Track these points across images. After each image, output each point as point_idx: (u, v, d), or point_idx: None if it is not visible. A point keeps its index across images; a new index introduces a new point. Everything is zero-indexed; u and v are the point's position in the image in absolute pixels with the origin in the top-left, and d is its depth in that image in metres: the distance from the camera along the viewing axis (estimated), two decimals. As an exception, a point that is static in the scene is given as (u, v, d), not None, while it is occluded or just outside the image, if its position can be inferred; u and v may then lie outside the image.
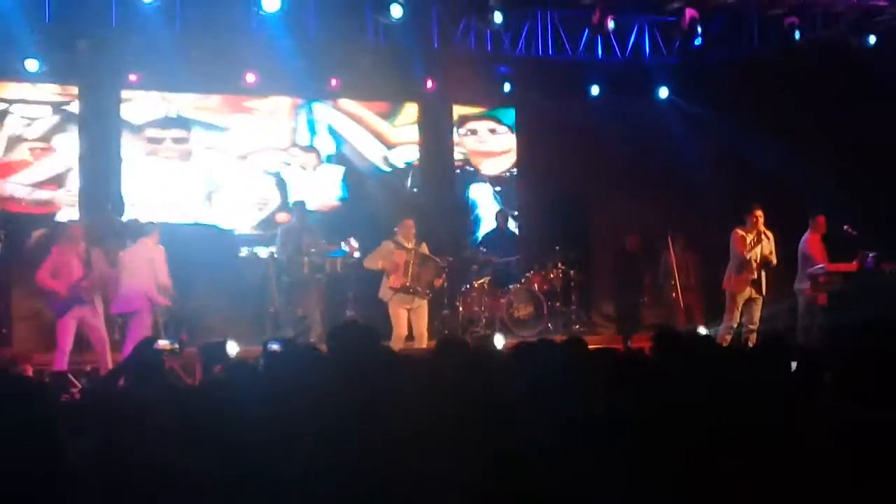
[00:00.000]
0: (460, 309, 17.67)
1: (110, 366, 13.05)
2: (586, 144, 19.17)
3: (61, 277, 13.61)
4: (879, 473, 3.60)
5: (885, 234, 15.81)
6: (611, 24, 16.66)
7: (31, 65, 16.56)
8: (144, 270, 14.26)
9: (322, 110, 19.39)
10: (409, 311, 14.87)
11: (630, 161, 19.33)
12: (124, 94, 18.07)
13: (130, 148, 18.10)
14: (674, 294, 17.68)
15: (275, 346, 7.17)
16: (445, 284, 15.94)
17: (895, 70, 16.15)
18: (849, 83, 17.32)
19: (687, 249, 17.71)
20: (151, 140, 18.27)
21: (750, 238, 15.31)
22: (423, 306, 15.03)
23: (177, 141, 18.42)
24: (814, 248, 15.84)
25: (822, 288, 15.70)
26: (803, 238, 15.94)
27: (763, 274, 15.35)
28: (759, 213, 15.30)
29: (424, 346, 14.38)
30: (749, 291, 15.38)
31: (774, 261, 15.43)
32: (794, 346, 6.84)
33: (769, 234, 15.38)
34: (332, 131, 19.41)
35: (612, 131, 19.11)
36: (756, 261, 15.30)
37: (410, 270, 14.75)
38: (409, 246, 14.92)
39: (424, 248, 15.25)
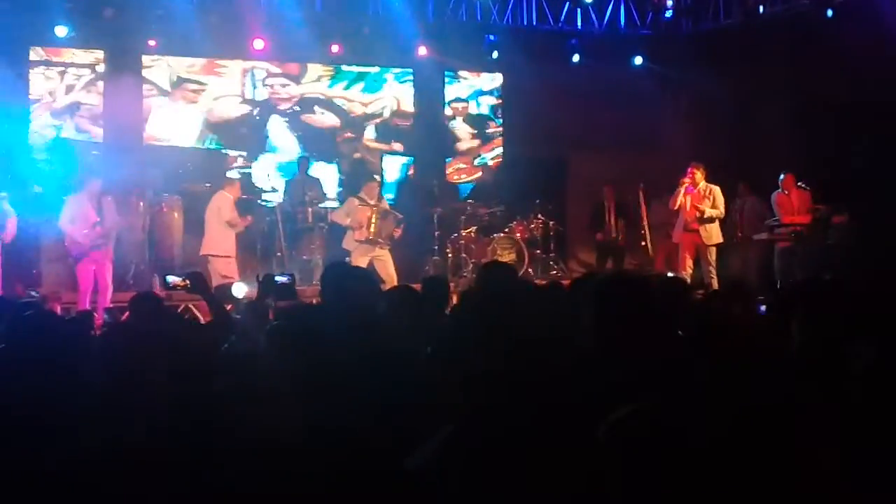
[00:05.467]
0: (449, 255, 17.71)
1: (108, 305, 13.41)
2: (566, 107, 19.03)
3: (78, 224, 13.61)
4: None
5: (839, 190, 15.80)
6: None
7: (61, 31, 16.44)
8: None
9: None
10: (372, 259, 15.20)
11: (606, 122, 19.22)
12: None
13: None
14: (643, 243, 17.89)
15: (282, 279, 7.13)
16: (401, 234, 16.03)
17: (849, 41, 16.02)
18: (808, 52, 17.18)
19: (659, 202, 17.70)
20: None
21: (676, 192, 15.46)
22: (386, 254, 15.48)
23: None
24: (777, 203, 15.83)
25: (777, 238, 15.76)
26: (773, 194, 15.92)
27: (705, 223, 15.32)
28: (692, 169, 15.41)
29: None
30: (691, 238, 15.37)
31: (717, 213, 15.39)
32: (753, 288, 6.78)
33: (708, 188, 15.40)
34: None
35: (591, 95, 19.00)
36: (687, 210, 15.31)
37: (373, 225, 15.28)
38: (372, 202, 15.50)
39: (385, 204, 15.91)
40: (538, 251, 18.17)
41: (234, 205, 15.46)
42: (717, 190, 15.46)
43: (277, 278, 7.23)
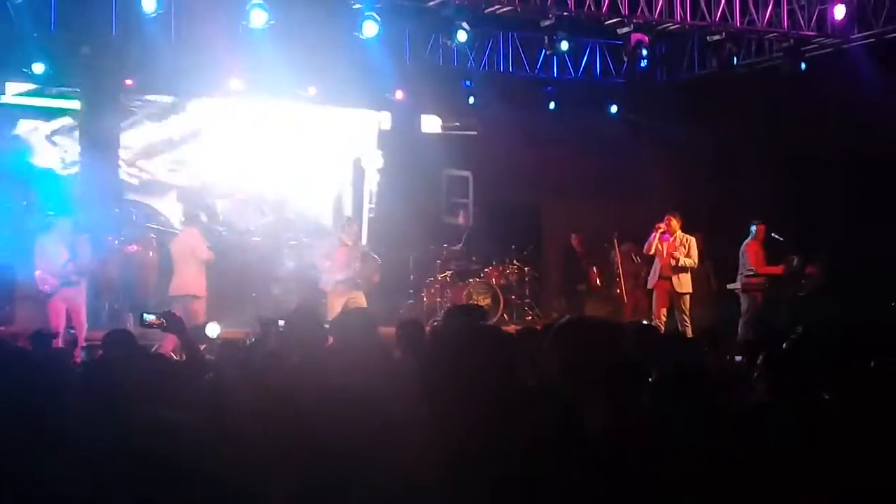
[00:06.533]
0: (424, 299, 17.73)
1: (83, 343, 13.21)
2: (542, 153, 19.19)
3: (48, 262, 13.52)
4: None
5: (811, 239, 15.96)
6: (565, 45, 16.52)
7: (38, 68, 16.44)
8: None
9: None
10: (348, 301, 14.94)
11: (582, 170, 19.37)
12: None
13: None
14: (618, 290, 17.97)
15: (282, 323, 7.16)
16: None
17: (823, 93, 16.23)
18: (782, 102, 17.36)
19: (634, 250, 17.80)
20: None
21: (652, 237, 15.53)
22: (361, 297, 15.12)
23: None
24: (750, 253, 15.96)
25: (751, 288, 15.86)
26: (744, 243, 16.08)
27: (678, 272, 15.39)
28: (668, 217, 15.48)
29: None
30: (664, 286, 15.44)
31: (689, 262, 15.41)
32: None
33: (685, 237, 15.45)
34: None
35: (567, 142, 19.15)
36: (663, 258, 15.39)
37: (351, 265, 15.03)
38: (350, 244, 15.24)
39: (364, 247, 15.75)
40: (513, 296, 18.25)
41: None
42: (692, 241, 15.48)
43: (280, 322, 7.26)
